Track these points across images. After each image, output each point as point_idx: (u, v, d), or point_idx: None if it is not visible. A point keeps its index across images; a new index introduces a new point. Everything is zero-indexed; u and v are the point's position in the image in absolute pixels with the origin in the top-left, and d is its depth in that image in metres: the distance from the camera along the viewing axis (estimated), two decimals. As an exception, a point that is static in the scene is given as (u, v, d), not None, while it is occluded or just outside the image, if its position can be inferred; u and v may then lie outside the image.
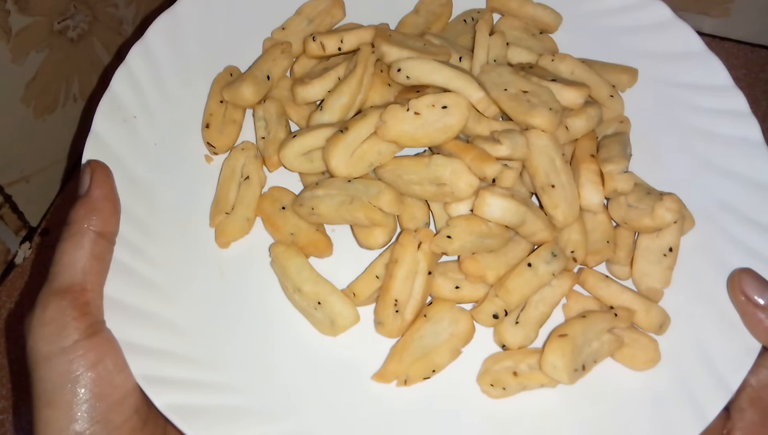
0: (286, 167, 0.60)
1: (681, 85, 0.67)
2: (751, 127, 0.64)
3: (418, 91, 0.61)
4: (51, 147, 0.86)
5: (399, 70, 0.60)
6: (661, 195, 0.57)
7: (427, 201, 0.59)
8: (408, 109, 0.56)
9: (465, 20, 0.71)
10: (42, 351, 0.49)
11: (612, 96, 0.65)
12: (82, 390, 0.49)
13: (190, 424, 0.51)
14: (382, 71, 0.63)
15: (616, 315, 0.55)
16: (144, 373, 0.52)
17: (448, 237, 0.55)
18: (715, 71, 0.66)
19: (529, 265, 0.55)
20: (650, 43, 0.69)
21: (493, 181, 0.56)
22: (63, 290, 0.50)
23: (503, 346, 0.56)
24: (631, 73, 0.67)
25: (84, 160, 0.59)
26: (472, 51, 0.65)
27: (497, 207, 0.54)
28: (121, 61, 0.64)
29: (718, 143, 0.64)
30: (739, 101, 0.65)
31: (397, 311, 0.55)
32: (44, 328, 0.49)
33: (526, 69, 0.63)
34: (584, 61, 0.66)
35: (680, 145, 0.65)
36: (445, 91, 0.58)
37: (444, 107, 0.56)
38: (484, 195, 0.54)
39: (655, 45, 0.69)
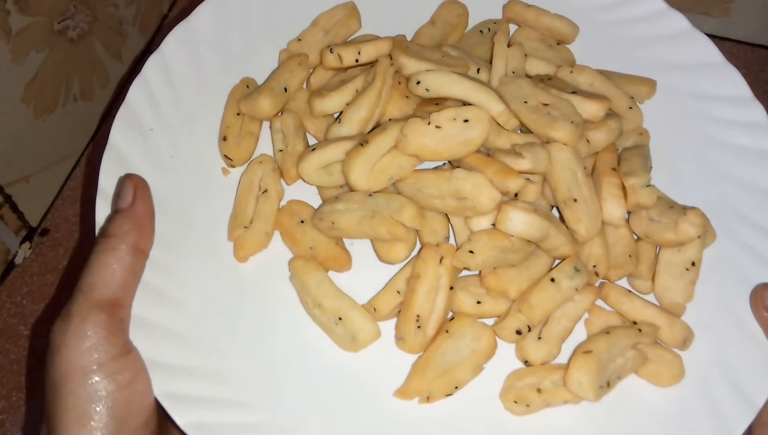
0: (304, 180, 0.60)
1: (700, 97, 0.67)
2: (773, 139, 0.63)
3: (437, 104, 0.60)
4: (51, 147, 0.85)
5: (418, 82, 0.59)
6: (685, 209, 0.56)
7: (447, 215, 0.59)
8: (429, 123, 0.56)
9: (481, 31, 0.70)
10: (78, 364, 0.48)
11: (631, 108, 0.64)
12: (115, 409, 0.48)
13: (213, 443, 0.50)
14: (400, 83, 0.63)
15: (640, 330, 0.54)
16: (165, 391, 0.51)
17: (471, 252, 0.54)
18: (735, 82, 0.66)
19: (552, 280, 0.55)
20: (668, 54, 0.68)
21: (515, 195, 0.56)
22: (102, 304, 0.50)
23: (526, 362, 0.56)
24: (650, 84, 0.67)
25: (101, 173, 0.59)
26: (490, 62, 0.64)
27: (520, 221, 0.53)
28: (132, 72, 0.64)
29: (738, 155, 0.64)
30: (758, 113, 0.64)
31: (419, 327, 0.54)
32: (82, 342, 0.48)
33: (545, 81, 0.63)
34: (602, 73, 0.65)
35: (700, 157, 0.65)
36: (465, 103, 0.58)
37: (465, 121, 0.56)
38: (507, 209, 0.53)
39: (674, 56, 0.68)
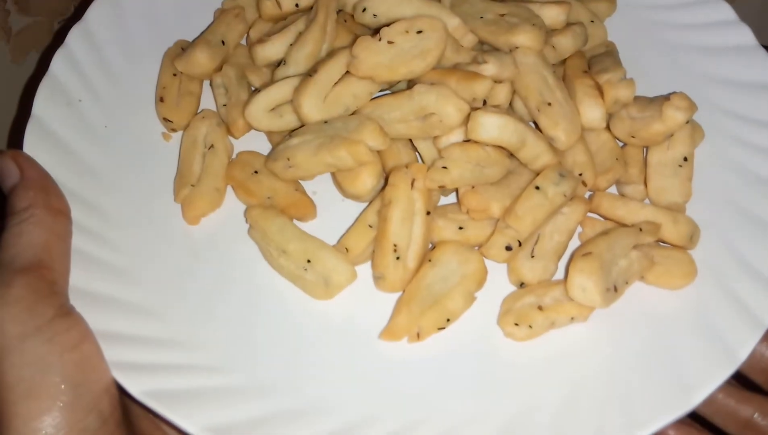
0: (253, 126, 0.54)
1: (660, 7, 0.64)
2: (743, 33, 0.61)
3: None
4: None
5: (364, 9, 0.55)
6: (667, 96, 0.52)
7: (412, 143, 0.54)
8: (380, 39, 0.51)
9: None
10: (13, 332, 0.41)
11: (593, 21, 0.61)
12: (66, 375, 0.41)
13: (173, 409, 0.43)
14: (345, 21, 0.59)
15: (641, 230, 0.49)
16: (115, 360, 0.44)
17: (444, 168, 0.49)
18: (695, -15, 0.63)
19: (537, 188, 0.49)
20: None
21: (484, 103, 0.51)
22: (26, 268, 0.44)
23: (521, 285, 0.50)
24: (609, 0, 0.64)
25: (26, 146, 0.53)
26: (438, -5, 0.60)
27: (493, 126, 0.48)
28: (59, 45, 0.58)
29: (711, 55, 0.61)
30: (724, 10, 0.62)
31: (398, 259, 0.48)
32: (12, 308, 0.42)
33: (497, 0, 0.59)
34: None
35: (671, 65, 0.61)
36: (417, 21, 0.54)
37: (419, 32, 0.51)
38: (477, 115, 0.48)
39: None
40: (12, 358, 0.41)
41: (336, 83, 0.52)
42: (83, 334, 0.44)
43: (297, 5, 0.59)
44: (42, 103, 0.55)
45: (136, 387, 0.43)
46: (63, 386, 0.41)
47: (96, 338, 0.44)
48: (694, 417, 0.52)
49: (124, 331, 0.46)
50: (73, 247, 0.49)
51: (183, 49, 0.60)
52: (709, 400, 0.45)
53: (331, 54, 0.53)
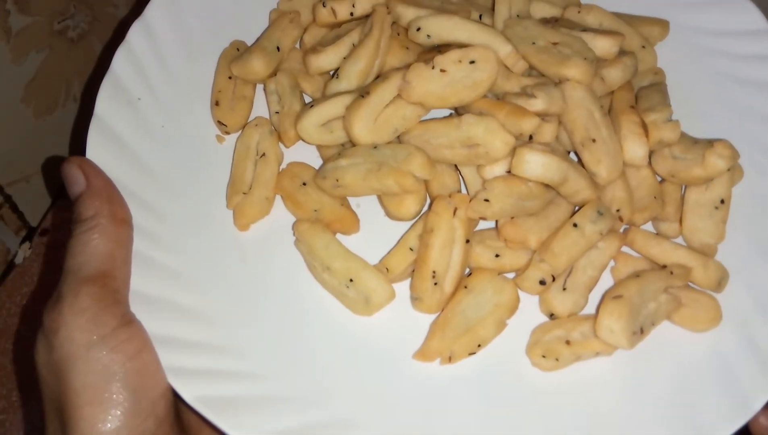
0: (304, 140, 0.56)
1: (715, 34, 0.64)
2: (795, 70, 0.60)
3: (440, 53, 0.57)
4: (51, 147, 0.84)
5: (419, 29, 0.56)
6: (711, 142, 0.53)
7: (457, 167, 0.56)
8: (433, 67, 0.52)
9: (481, -20, 0.67)
10: (80, 341, 0.45)
11: (644, 47, 0.61)
12: (128, 382, 0.45)
13: (222, 416, 0.46)
14: (399, 34, 0.60)
15: (671, 273, 0.51)
16: (170, 365, 0.48)
17: (486, 200, 0.51)
18: (750, 16, 0.63)
19: (575, 225, 0.51)
20: (678, -9, 0.65)
21: (530, 137, 0.52)
22: (92, 278, 0.47)
23: (551, 316, 0.52)
24: (662, 24, 0.63)
25: (89, 146, 0.55)
26: (492, 9, 0.61)
27: (538, 164, 0.50)
28: (120, 42, 0.60)
29: (760, 90, 0.60)
30: (778, 45, 0.61)
31: (435, 284, 0.51)
32: (79, 317, 0.45)
33: (551, 23, 0.59)
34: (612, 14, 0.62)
35: (720, 96, 0.62)
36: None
37: (472, 62, 0.52)
38: (523, 152, 0.50)
39: (684, -7, 0.65)
40: (79, 366, 0.45)
41: (386, 105, 0.54)
42: (143, 343, 0.47)
43: (352, 14, 0.61)
44: (104, 103, 0.57)
45: (188, 392, 0.47)
46: (125, 393, 0.45)
47: (153, 346, 0.48)
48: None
49: (177, 335, 0.50)
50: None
51: (238, 49, 0.62)
52: None
53: (384, 76, 0.54)
